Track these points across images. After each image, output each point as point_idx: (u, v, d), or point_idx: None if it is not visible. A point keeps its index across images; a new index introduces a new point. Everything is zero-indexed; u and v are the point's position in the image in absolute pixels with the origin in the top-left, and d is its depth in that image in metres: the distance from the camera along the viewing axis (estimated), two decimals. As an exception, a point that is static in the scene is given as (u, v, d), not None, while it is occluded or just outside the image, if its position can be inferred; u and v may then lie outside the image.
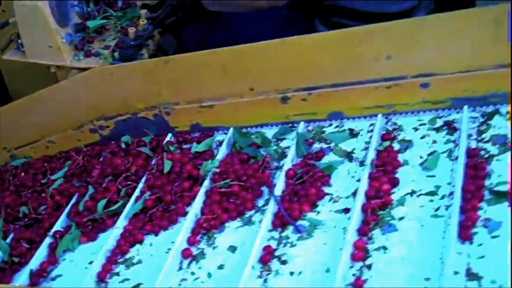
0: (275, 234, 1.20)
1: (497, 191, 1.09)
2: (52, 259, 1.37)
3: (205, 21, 1.80)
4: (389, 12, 1.63)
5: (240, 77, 1.40)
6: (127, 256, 1.31)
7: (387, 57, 1.29)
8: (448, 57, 1.26)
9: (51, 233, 1.41)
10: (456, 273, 0.98)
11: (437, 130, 1.28)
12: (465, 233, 1.04)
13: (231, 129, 1.44)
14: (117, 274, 1.27)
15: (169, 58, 1.43)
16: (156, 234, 1.32)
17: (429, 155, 1.23)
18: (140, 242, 1.32)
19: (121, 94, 1.48)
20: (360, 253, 1.07)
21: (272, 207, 1.23)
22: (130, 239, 1.32)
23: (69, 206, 1.47)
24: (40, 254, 1.38)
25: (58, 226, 1.43)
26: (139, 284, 1.23)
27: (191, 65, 1.41)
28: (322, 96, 1.37)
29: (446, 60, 1.26)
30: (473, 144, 1.21)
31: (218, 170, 1.35)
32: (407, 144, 1.28)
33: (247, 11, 1.71)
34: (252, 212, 1.27)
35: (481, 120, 1.26)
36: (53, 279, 1.34)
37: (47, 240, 1.40)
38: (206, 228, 1.27)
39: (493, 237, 1.02)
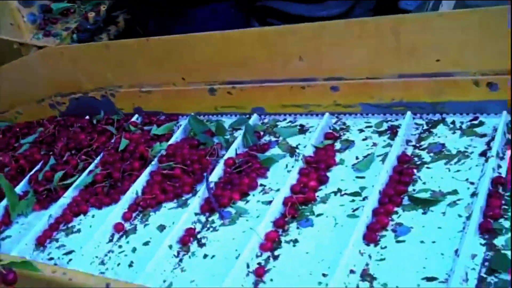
0: (202, 218, 1.22)
1: (415, 198, 1.08)
2: (6, 221, 1.44)
3: (165, 16, 1.85)
4: (320, 16, 1.64)
5: (172, 66, 1.45)
6: (70, 224, 1.36)
7: (299, 58, 1.30)
8: (354, 62, 1.27)
9: (9, 196, 1.47)
10: (352, 272, 0.98)
11: (381, 133, 1.27)
12: (370, 236, 1.03)
13: (189, 116, 1.48)
14: (56, 240, 1.33)
15: (110, 43, 1.49)
16: (100, 208, 1.37)
17: (365, 157, 1.22)
18: (84, 213, 1.37)
19: (72, 73, 1.55)
20: (269, 244, 1.08)
21: (204, 192, 1.25)
22: (75, 209, 1.36)
23: (31, 172, 1.54)
24: (-4, 214, 1.46)
25: (18, 189, 1.50)
26: (71, 251, 1.28)
27: (129, 52, 1.46)
28: (245, 91, 1.40)
29: (352, 65, 1.27)
30: (410, 150, 1.19)
31: (165, 153, 1.39)
32: (348, 145, 1.27)
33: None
34: (189, 195, 1.30)
35: (425, 127, 1.24)
36: (3, 239, 1.41)
37: (5, 202, 1.47)
38: (143, 206, 1.30)
39: (398, 241, 1.01)
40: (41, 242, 1.31)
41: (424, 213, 1.05)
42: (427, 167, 1.14)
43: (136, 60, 1.47)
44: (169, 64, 1.44)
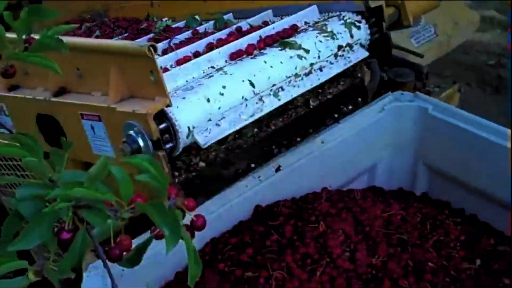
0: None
1: (281, 41, 1.50)
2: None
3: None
4: None
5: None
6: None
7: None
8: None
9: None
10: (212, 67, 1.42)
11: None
12: (233, 55, 1.46)
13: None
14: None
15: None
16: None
17: (277, 32, 1.65)
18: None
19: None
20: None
21: (166, 43, 1.76)
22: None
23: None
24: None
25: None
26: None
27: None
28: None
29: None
30: (303, 27, 1.60)
31: (163, 28, 1.94)
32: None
33: None
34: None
35: (326, 17, 1.65)
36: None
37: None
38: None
39: (252, 58, 1.43)
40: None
41: (280, 50, 1.45)
42: (304, 33, 1.54)
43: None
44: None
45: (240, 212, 1.40)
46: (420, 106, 1.48)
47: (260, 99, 1.40)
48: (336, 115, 1.58)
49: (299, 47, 1.49)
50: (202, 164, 1.33)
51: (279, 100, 1.43)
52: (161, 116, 1.22)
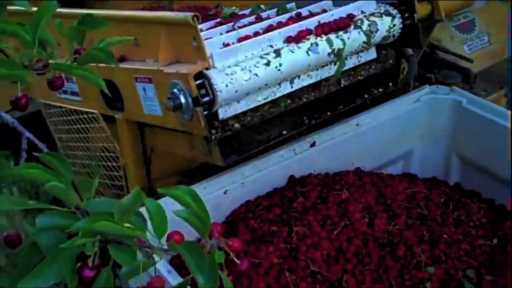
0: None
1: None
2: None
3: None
4: None
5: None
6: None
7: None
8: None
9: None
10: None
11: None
12: (290, 38, 1.56)
13: (254, 6, 2.15)
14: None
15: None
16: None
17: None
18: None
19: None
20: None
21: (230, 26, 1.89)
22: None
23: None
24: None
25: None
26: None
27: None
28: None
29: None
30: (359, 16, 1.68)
31: (229, 14, 2.07)
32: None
33: None
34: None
35: (382, 11, 1.70)
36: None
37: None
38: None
39: (308, 50, 1.53)
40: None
41: (329, 54, 1.54)
42: (357, 37, 1.60)
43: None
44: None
45: (274, 180, 1.50)
46: (455, 99, 1.54)
47: (278, 84, 1.52)
48: (366, 96, 1.66)
49: (341, 54, 1.56)
50: (237, 125, 1.46)
51: (292, 87, 1.54)
52: (203, 79, 1.36)
